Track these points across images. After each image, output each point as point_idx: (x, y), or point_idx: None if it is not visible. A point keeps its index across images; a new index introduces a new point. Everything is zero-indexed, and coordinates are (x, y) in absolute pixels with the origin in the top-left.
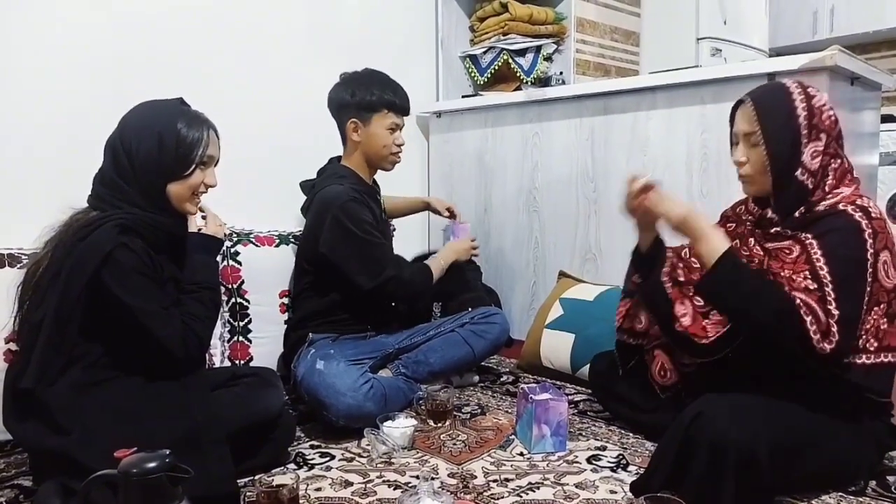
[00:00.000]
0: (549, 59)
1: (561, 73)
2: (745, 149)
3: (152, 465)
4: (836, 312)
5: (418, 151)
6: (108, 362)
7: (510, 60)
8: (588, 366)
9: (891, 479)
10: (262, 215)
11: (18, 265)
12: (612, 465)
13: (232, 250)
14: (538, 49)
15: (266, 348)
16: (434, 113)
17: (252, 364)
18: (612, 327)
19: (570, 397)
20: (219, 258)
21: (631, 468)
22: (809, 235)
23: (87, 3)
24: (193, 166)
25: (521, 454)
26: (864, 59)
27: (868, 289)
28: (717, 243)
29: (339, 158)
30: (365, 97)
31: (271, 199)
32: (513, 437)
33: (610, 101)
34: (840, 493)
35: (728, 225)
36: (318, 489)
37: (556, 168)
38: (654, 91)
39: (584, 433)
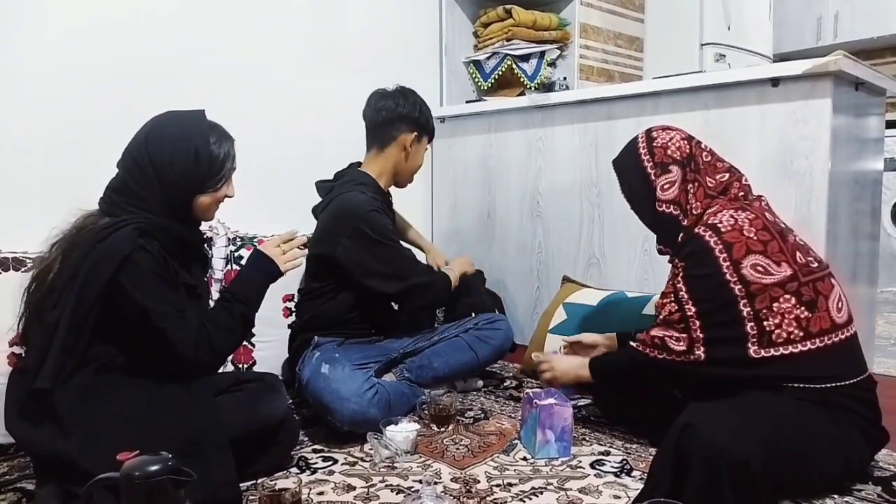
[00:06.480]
0: (552, 64)
1: (565, 78)
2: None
3: (154, 468)
4: (700, 335)
5: None
6: (116, 366)
7: (514, 66)
8: None
9: None
10: (264, 219)
11: (23, 269)
12: (615, 470)
13: (235, 254)
14: (542, 55)
15: (269, 353)
16: (438, 118)
17: (255, 369)
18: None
19: (574, 402)
20: (260, 275)
21: (635, 473)
22: (678, 261)
23: (88, 8)
24: (225, 179)
25: (525, 459)
26: (868, 64)
27: (739, 294)
28: (582, 370)
29: (359, 164)
30: (428, 120)
31: (273, 204)
32: (516, 441)
33: (613, 106)
34: (846, 500)
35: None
36: (321, 493)
37: (559, 173)
38: (658, 96)
39: (588, 438)
